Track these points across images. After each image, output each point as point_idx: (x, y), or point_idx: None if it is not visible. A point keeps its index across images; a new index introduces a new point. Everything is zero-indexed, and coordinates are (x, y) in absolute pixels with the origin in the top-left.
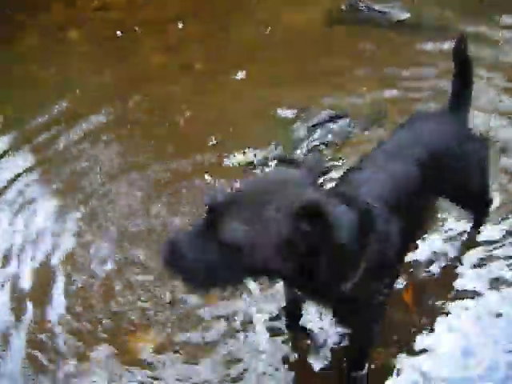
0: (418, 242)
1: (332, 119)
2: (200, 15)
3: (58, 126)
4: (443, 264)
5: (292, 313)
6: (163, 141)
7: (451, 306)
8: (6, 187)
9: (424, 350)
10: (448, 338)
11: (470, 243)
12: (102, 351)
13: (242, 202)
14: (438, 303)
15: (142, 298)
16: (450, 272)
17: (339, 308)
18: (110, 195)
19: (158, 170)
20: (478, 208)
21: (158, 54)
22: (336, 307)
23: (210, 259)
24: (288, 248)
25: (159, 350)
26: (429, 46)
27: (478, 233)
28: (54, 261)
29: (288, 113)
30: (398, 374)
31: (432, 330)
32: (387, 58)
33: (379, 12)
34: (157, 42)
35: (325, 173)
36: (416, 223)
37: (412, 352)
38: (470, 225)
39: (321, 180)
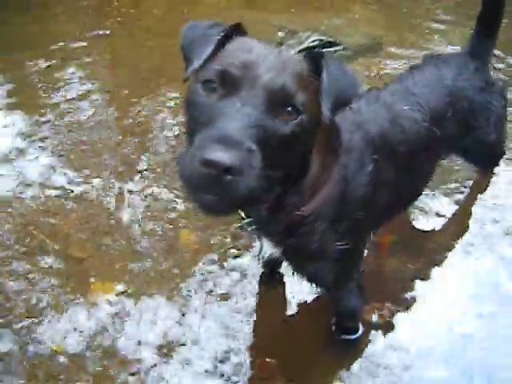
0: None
1: (323, 45)
2: None
3: None
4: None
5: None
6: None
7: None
8: None
9: (419, 303)
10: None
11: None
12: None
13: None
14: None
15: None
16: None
17: (295, 250)
18: None
19: None
20: (490, 161)
21: None
22: (291, 248)
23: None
24: None
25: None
26: None
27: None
28: None
29: (275, 36)
30: (393, 332)
31: (425, 280)
32: None
33: None
34: None
35: None
36: (409, 181)
37: (408, 307)
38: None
39: None
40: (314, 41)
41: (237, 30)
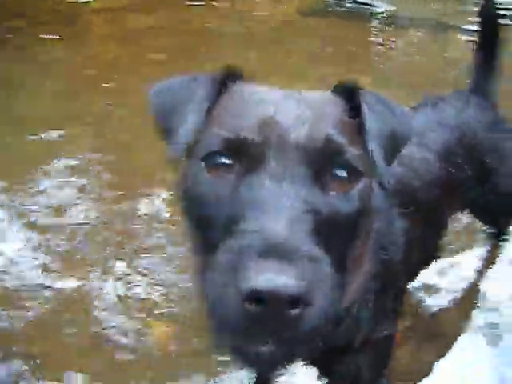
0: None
1: None
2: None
3: None
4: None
5: None
6: None
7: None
8: None
9: None
10: None
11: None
12: None
13: None
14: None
15: None
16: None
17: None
18: None
19: None
20: (505, 220)
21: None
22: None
23: None
24: None
25: None
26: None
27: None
28: None
29: None
30: None
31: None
32: (375, 54)
33: (364, 4)
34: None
35: None
36: (429, 235)
37: None
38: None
39: None
40: None
41: (232, 76)
